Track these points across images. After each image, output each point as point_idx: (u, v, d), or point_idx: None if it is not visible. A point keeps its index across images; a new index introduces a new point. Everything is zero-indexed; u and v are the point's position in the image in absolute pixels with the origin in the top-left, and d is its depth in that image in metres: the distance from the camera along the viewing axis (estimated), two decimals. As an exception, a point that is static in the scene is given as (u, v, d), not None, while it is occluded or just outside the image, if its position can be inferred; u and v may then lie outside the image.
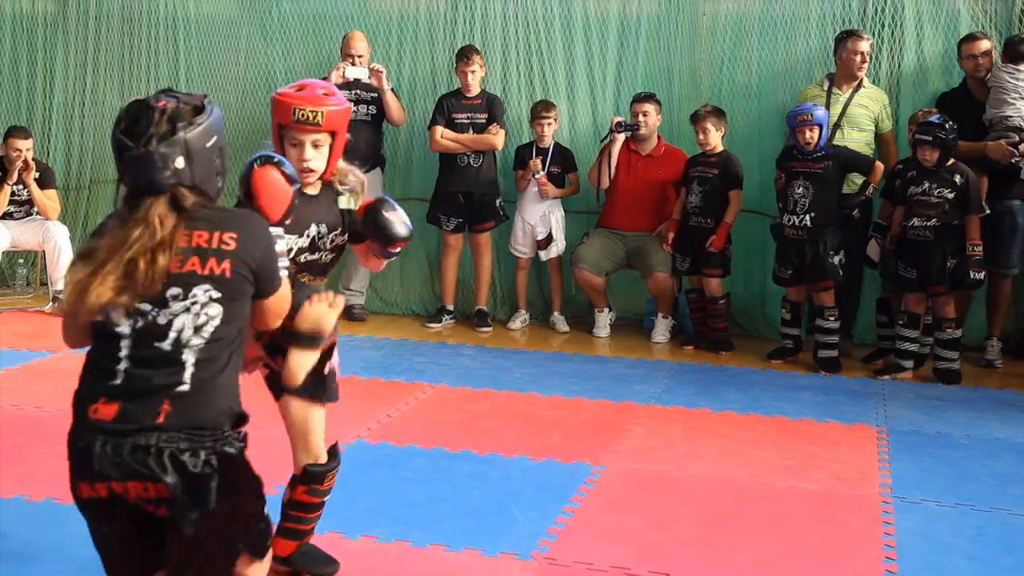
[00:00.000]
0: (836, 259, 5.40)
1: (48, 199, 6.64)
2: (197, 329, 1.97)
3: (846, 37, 5.72)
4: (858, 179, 5.59)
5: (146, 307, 1.96)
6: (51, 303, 6.50)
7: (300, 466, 2.75)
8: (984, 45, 5.57)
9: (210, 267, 1.99)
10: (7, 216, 6.59)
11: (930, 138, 5.13)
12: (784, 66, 6.22)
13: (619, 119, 6.10)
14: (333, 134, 2.62)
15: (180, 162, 1.98)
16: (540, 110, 6.25)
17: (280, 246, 2.25)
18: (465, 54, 6.22)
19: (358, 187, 2.76)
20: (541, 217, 6.26)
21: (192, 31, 7.22)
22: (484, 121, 6.23)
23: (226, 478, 1.95)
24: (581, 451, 4.01)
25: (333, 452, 2.81)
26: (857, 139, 5.69)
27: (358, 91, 6.32)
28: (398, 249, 2.76)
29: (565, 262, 6.35)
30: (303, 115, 2.55)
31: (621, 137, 6.10)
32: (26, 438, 3.89)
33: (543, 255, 6.31)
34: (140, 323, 1.95)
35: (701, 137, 5.81)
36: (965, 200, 5.13)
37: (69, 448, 1.96)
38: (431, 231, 6.47)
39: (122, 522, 1.98)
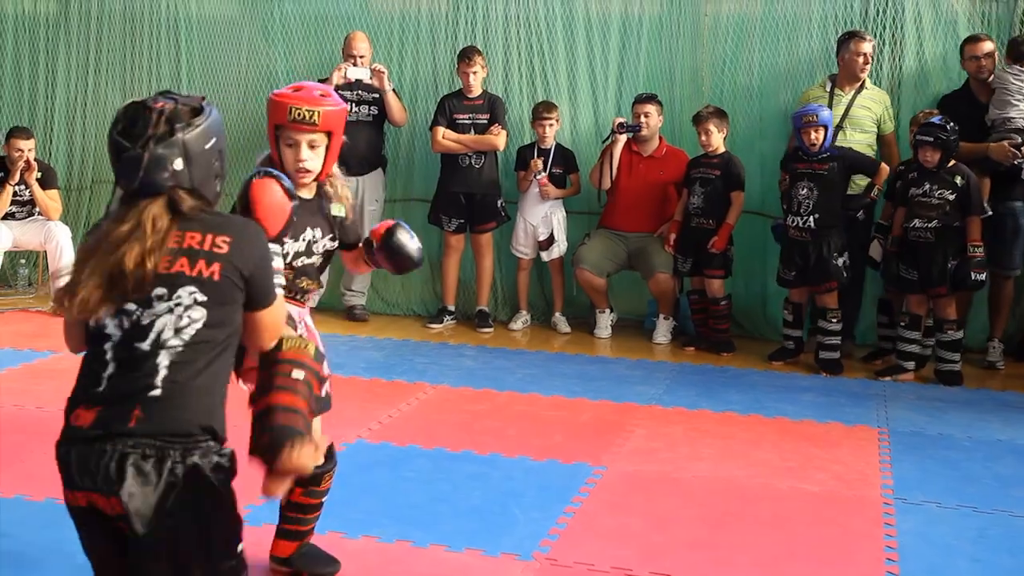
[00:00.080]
0: (840, 261, 5.39)
1: (50, 199, 6.64)
2: (178, 331, 1.92)
3: (849, 38, 5.71)
4: (861, 181, 5.59)
5: (131, 307, 1.93)
6: (52, 303, 6.49)
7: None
8: (987, 46, 5.57)
9: (199, 269, 1.94)
10: (9, 216, 6.59)
11: (931, 139, 5.13)
12: (786, 67, 6.21)
13: (620, 120, 6.10)
14: (329, 135, 2.62)
15: (179, 163, 1.95)
16: (541, 111, 6.25)
17: (277, 263, 2.21)
18: (467, 55, 6.22)
19: (347, 194, 2.78)
20: (543, 218, 6.26)
21: (194, 32, 7.22)
22: (486, 122, 6.23)
23: (194, 496, 1.85)
24: (582, 452, 4.01)
25: (329, 453, 2.81)
26: (859, 140, 5.68)
27: (360, 92, 6.32)
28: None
29: (566, 263, 6.35)
30: (299, 114, 2.55)
31: (623, 138, 6.10)
32: (27, 438, 3.88)
33: (545, 256, 6.31)
34: (126, 323, 1.92)
35: (703, 138, 5.80)
36: (966, 201, 5.13)
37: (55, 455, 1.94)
38: (432, 232, 6.47)
39: (101, 535, 1.92)
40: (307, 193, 2.68)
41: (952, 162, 5.18)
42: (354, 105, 6.26)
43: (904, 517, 3.44)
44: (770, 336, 6.08)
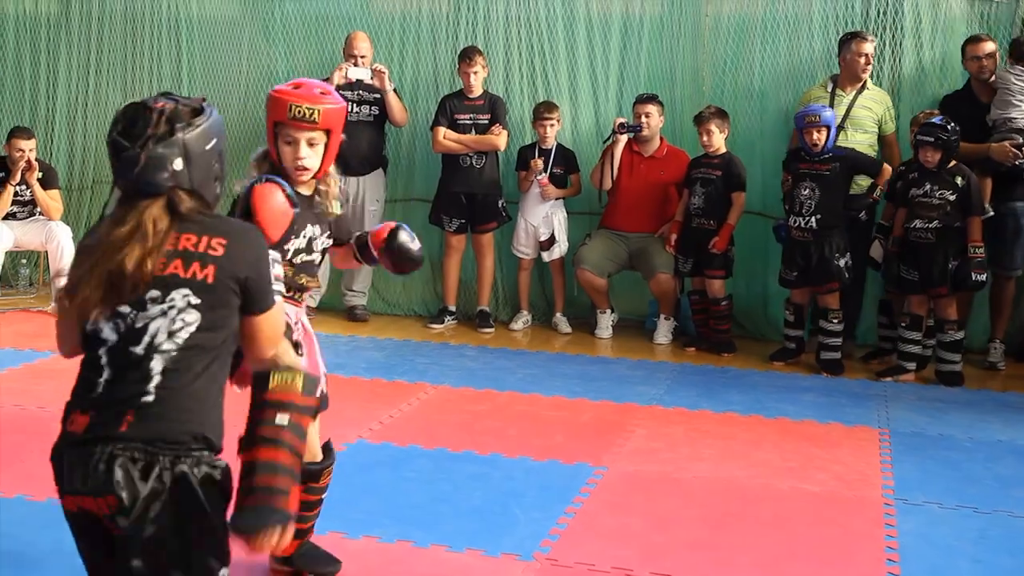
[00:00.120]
0: (842, 261, 5.39)
1: (51, 199, 6.65)
2: (171, 334, 1.89)
3: (850, 39, 5.71)
4: (863, 181, 5.58)
5: (126, 310, 1.90)
6: (54, 303, 6.50)
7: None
8: (988, 47, 5.57)
9: (193, 271, 1.91)
10: (10, 216, 6.60)
11: (932, 139, 5.13)
12: (787, 68, 6.21)
13: (621, 120, 6.09)
14: (328, 133, 2.61)
15: (179, 163, 1.92)
16: (542, 111, 6.24)
17: (276, 270, 2.17)
18: (467, 55, 6.22)
19: (337, 191, 2.79)
20: (544, 218, 6.26)
21: (195, 32, 7.22)
22: (486, 122, 6.23)
23: (177, 507, 1.83)
24: (583, 452, 4.01)
25: (327, 449, 2.82)
26: (861, 141, 5.68)
27: (360, 92, 6.32)
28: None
29: (567, 263, 6.35)
30: (299, 112, 2.54)
31: (623, 138, 6.10)
32: (28, 438, 3.88)
33: (546, 256, 6.31)
34: (122, 327, 1.90)
35: (705, 139, 5.80)
36: (966, 202, 5.12)
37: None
38: (433, 232, 6.46)
39: (94, 540, 1.90)
40: (306, 190, 2.69)
41: (953, 162, 5.18)
42: (355, 105, 6.26)
43: (905, 518, 3.44)
44: (771, 336, 6.08)
